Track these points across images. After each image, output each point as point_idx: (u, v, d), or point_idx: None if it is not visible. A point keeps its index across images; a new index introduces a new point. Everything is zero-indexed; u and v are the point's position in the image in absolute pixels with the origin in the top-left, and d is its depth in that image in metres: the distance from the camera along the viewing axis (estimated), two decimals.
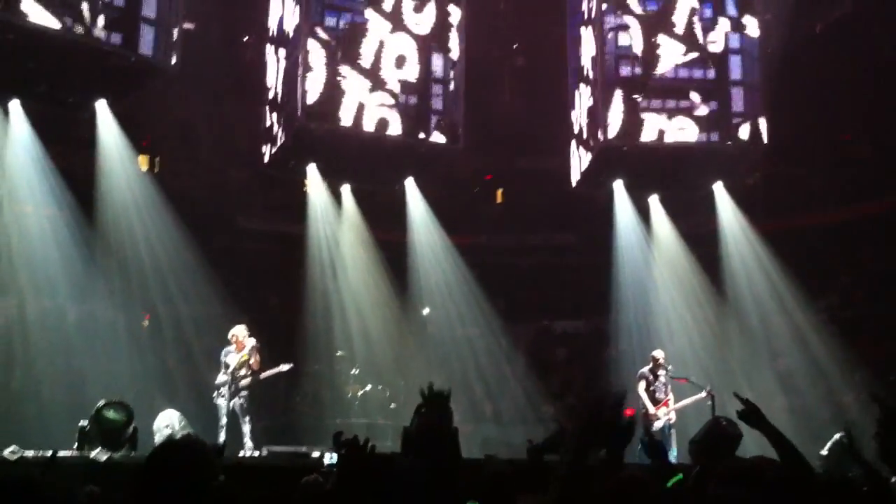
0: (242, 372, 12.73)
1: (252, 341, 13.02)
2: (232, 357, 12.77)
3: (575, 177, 19.44)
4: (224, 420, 12.56)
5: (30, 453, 9.63)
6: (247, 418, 12.57)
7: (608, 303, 19.35)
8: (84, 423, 10.83)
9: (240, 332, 12.95)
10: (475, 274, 19.87)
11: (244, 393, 12.74)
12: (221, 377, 12.73)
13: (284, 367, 13.40)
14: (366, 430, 13.94)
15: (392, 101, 17.76)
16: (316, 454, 10.86)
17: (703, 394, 13.20)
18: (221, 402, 12.66)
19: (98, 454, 9.84)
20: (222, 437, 12.48)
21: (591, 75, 18.84)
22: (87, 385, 14.37)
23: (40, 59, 14.61)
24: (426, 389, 5.69)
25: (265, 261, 20.62)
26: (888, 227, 19.30)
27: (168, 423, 11.39)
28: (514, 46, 24.57)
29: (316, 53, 17.28)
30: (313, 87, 17.18)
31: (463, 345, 19.52)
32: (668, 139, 18.00)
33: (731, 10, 18.60)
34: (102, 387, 13.79)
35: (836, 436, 12.10)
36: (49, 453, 9.04)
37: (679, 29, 18.34)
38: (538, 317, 22.07)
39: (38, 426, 13.52)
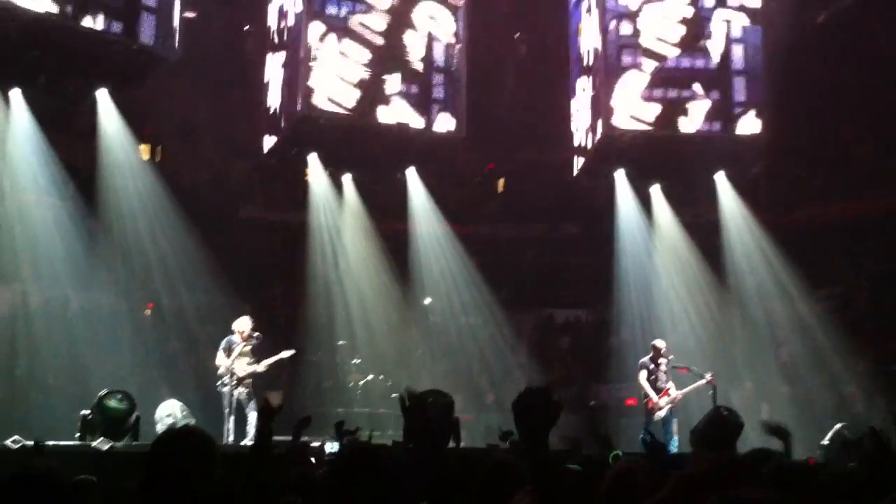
0: (245, 362, 12.75)
1: (256, 333, 13.04)
2: (235, 347, 12.79)
3: (577, 167, 19.46)
4: (228, 409, 12.59)
5: (31, 443, 9.64)
6: (250, 407, 12.59)
7: (611, 292, 19.33)
8: (86, 412, 10.84)
9: (244, 324, 12.97)
10: (477, 263, 19.86)
11: (248, 382, 12.76)
12: (223, 367, 12.73)
13: (286, 354, 13.40)
14: (367, 420, 13.96)
15: (393, 90, 17.76)
16: (317, 443, 10.86)
17: (704, 381, 13.19)
18: (225, 391, 12.69)
19: (100, 443, 9.86)
20: (228, 425, 12.53)
21: (592, 65, 18.81)
22: (91, 374, 14.38)
23: (42, 48, 14.60)
24: (406, 398, 5.72)
25: (268, 250, 20.64)
26: (892, 222, 19.25)
27: (170, 412, 11.41)
28: (516, 35, 24.52)
29: (317, 42, 17.28)
30: (315, 75, 17.19)
31: (465, 334, 19.54)
32: (669, 129, 17.98)
33: None
34: (106, 375, 13.84)
35: (837, 426, 12.11)
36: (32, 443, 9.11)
37: (681, 18, 18.32)
38: (541, 306, 22.07)
39: (42, 414, 13.56)
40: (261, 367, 12.94)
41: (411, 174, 19.52)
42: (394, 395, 15.43)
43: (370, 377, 15.91)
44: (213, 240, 17.55)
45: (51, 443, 10.12)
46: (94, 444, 9.92)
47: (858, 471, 5.50)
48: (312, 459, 7.64)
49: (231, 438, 12.37)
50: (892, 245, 19.34)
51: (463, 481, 5.49)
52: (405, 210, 19.60)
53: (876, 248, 20.08)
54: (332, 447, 9.98)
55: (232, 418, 12.63)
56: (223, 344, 12.94)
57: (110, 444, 9.88)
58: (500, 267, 21.17)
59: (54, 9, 14.01)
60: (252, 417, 12.48)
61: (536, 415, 3.59)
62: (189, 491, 3.63)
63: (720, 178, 19.02)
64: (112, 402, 10.78)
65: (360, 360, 16.24)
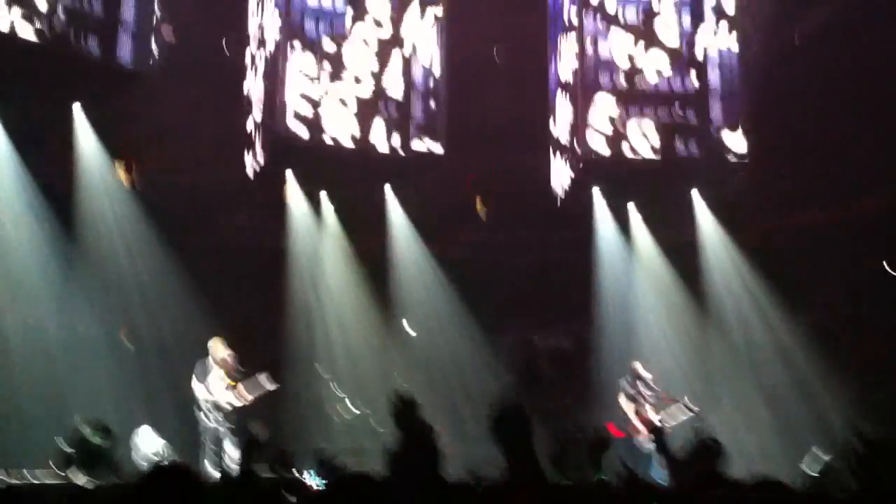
0: (222, 386, 12.57)
1: (230, 355, 12.83)
2: (213, 373, 12.62)
3: (556, 188, 19.51)
4: (203, 435, 12.42)
5: (16, 482, 9.51)
6: (225, 434, 12.43)
7: (591, 313, 19.34)
8: (63, 444, 10.66)
9: (218, 346, 12.80)
10: (457, 285, 19.79)
11: (224, 408, 12.61)
12: (201, 392, 12.57)
13: (270, 387, 13.22)
14: (350, 453, 13.85)
15: (373, 109, 17.75)
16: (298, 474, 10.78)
17: (692, 414, 13.14)
18: (201, 416, 12.52)
19: (78, 477, 9.72)
20: (204, 451, 12.38)
21: (570, 84, 18.91)
22: (69, 400, 14.19)
23: (15, 66, 14.43)
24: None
25: (248, 271, 20.47)
26: (871, 235, 19.35)
27: (155, 450, 11.27)
28: (495, 50, 24.56)
29: (295, 61, 17.24)
30: (292, 95, 17.14)
31: (445, 357, 19.44)
32: (647, 150, 18.09)
33: (711, 18, 18.70)
34: (84, 402, 13.64)
35: (813, 449, 12.16)
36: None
37: (659, 38, 18.48)
38: (523, 328, 22.02)
39: (19, 442, 13.36)
40: (240, 399, 12.75)
41: (389, 194, 19.49)
42: (377, 426, 15.34)
43: (357, 411, 15.71)
44: (193, 260, 17.37)
45: (36, 482, 9.99)
46: (71, 476, 9.78)
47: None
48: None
49: (207, 465, 12.21)
50: (878, 254, 19.42)
51: None
52: (384, 230, 19.54)
53: (860, 259, 20.18)
54: (309, 477, 9.94)
55: (208, 445, 12.47)
56: (197, 368, 12.76)
57: (87, 478, 9.75)
58: (481, 288, 21.11)
59: (28, 25, 13.86)
60: (227, 445, 12.34)
61: (515, 432, 3.59)
62: None
63: (697, 199, 19.13)
64: (88, 434, 10.62)
65: (345, 396, 16.03)
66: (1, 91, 15.10)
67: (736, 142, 18.19)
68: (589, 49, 18.48)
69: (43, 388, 14.99)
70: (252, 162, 18.54)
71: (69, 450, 10.46)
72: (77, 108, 16.11)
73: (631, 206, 19.51)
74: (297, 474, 10.24)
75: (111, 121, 17.13)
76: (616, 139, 18.10)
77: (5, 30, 13.62)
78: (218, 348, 12.74)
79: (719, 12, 18.74)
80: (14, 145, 15.66)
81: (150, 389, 15.58)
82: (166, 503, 3.58)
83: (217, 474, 11.79)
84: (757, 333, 18.45)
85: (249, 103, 18.92)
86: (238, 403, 12.52)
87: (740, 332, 18.60)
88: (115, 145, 17.28)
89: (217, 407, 12.37)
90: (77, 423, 10.76)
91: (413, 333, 19.33)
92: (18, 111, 15.80)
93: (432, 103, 18.46)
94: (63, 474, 10.10)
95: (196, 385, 12.48)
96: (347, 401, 15.99)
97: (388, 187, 19.41)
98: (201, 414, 12.39)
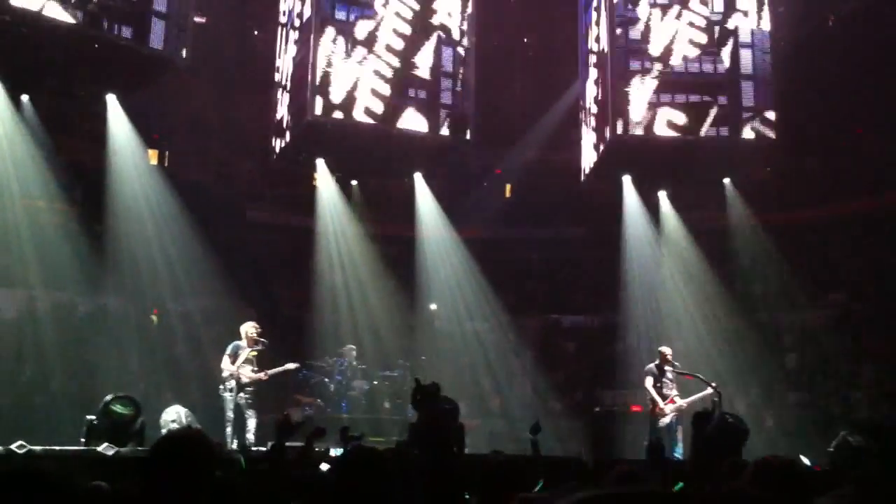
0: (248, 368, 12.72)
1: (262, 338, 12.97)
2: (242, 352, 12.75)
3: (584, 170, 19.45)
4: (230, 414, 12.53)
5: (38, 448, 9.65)
6: (251, 413, 12.54)
7: (617, 297, 19.26)
8: (92, 417, 10.83)
9: (251, 328, 12.92)
10: (483, 268, 19.82)
11: (249, 388, 12.72)
12: (227, 371, 12.70)
13: (291, 366, 13.37)
14: (372, 425, 13.92)
15: (402, 96, 17.78)
16: (321, 449, 10.83)
17: (710, 390, 13.09)
18: (227, 396, 12.63)
19: (105, 448, 9.85)
20: (228, 430, 12.49)
21: (600, 69, 18.81)
22: (98, 378, 14.40)
23: (52, 53, 14.67)
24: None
25: (274, 254, 20.67)
26: None
27: (175, 417, 11.40)
28: (525, 40, 24.53)
29: (326, 48, 17.33)
30: (323, 81, 17.23)
31: (471, 339, 19.49)
32: (677, 133, 17.94)
33: (743, 3, 18.50)
34: (112, 380, 13.84)
35: (843, 433, 12.02)
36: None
37: (689, 22, 18.30)
38: (547, 311, 22.02)
39: (48, 419, 13.55)
40: (264, 376, 12.90)
41: (418, 179, 19.55)
42: (399, 400, 15.44)
43: (375, 382, 15.89)
44: (220, 243, 17.56)
45: (56, 448, 10.15)
46: (99, 449, 9.91)
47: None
48: (324, 466, 7.65)
49: (235, 443, 12.35)
50: None
51: (466, 484, 5.53)
52: (412, 215, 19.60)
53: (884, 246, 19.97)
54: (336, 453, 9.98)
55: (232, 420, 12.58)
56: (229, 349, 12.87)
57: (115, 450, 9.88)
58: (507, 271, 21.13)
59: (65, 14, 14.07)
60: (251, 423, 12.44)
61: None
62: (189, 493, 3.63)
63: (728, 184, 18.99)
64: (117, 408, 10.76)
65: (365, 366, 16.19)
66: (36, 77, 15.38)
67: (767, 126, 17.96)
68: (619, 33, 18.35)
69: (72, 364, 15.23)
70: (281, 147, 18.67)
71: (96, 421, 10.61)
72: (110, 95, 16.33)
73: (660, 190, 19.40)
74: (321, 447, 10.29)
75: (143, 106, 17.35)
76: (645, 124, 17.95)
77: (42, 18, 13.79)
78: (248, 328, 12.87)
79: None
80: (48, 130, 15.92)
81: (177, 366, 15.78)
82: (177, 468, 3.59)
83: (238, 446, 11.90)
84: (784, 317, 18.29)
85: (279, 90, 19.06)
86: (262, 378, 12.68)
87: (767, 315, 18.44)
88: (147, 129, 17.50)
89: (242, 386, 12.48)
90: (106, 397, 10.91)
91: (433, 306, 19.40)
92: (53, 96, 16.05)
93: (461, 89, 18.42)
94: (88, 446, 10.23)
95: (226, 364, 12.61)
96: (367, 372, 16.05)
97: (417, 171, 19.46)
98: (227, 392, 12.51)
